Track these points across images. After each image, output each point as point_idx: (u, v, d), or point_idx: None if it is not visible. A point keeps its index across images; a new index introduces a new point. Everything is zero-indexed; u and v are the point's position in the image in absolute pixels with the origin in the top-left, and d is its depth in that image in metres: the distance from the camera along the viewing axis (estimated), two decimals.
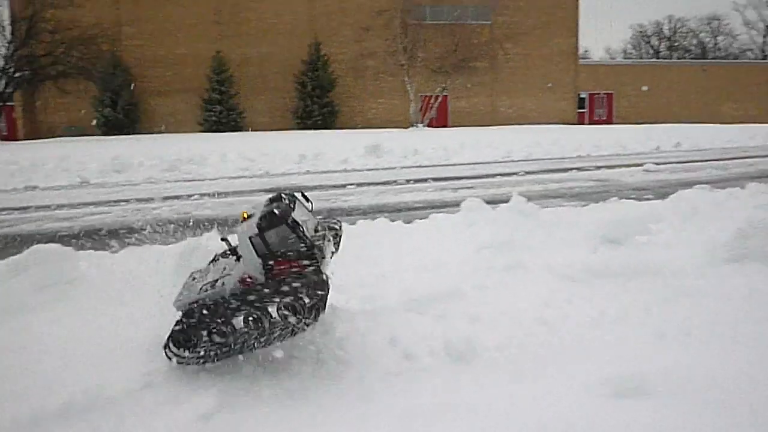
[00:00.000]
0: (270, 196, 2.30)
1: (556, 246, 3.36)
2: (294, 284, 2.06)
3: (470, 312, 2.56)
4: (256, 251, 2.13)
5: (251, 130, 28.68)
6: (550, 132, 23.71)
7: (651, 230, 3.85)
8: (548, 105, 40.25)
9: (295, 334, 2.15)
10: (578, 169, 10.78)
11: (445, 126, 36.42)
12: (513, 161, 12.93)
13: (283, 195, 2.28)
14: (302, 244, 2.11)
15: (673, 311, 2.53)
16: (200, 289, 2.26)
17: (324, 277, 2.09)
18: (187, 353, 2.18)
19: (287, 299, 2.06)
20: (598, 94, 43.23)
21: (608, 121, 41.94)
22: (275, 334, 2.16)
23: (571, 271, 2.93)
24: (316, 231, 2.29)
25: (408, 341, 2.33)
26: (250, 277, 2.14)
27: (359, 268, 3.20)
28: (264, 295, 2.10)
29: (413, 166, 11.95)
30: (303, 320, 2.07)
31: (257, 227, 2.12)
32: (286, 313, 2.07)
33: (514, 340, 2.36)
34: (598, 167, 11.09)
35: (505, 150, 15.02)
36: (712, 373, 1.94)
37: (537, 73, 40.01)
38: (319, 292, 2.05)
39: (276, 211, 2.12)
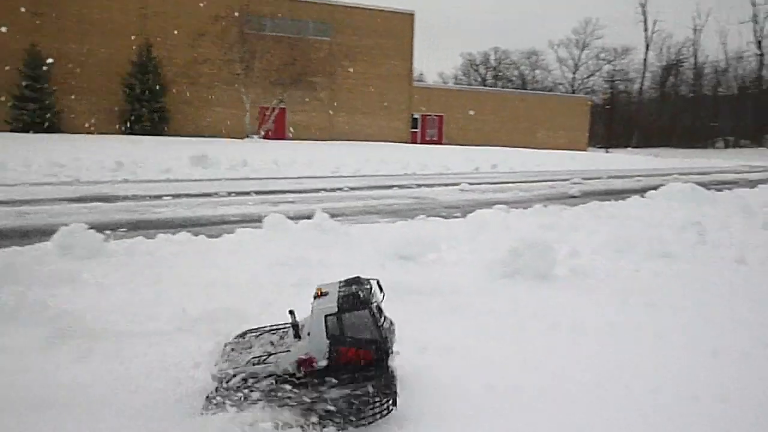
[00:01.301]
0: (346, 278, 2.15)
1: (347, 263, 3.41)
2: (360, 378, 1.90)
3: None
4: (327, 332, 1.96)
5: (70, 133, 26.40)
6: (382, 149, 24.52)
7: (441, 248, 4.06)
8: (383, 123, 41.64)
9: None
10: (401, 186, 11.20)
11: (282, 139, 36.18)
12: (341, 177, 13.14)
13: (361, 278, 2.13)
14: (378, 335, 1.97)
15: (440, 325, 2.66)
16: (247, 361, 2.02)
17: (393, 375, 1.93)
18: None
19: (350, 392, 1.87)
20: (430, 115, 45.56)
21: (438, 142, 44.34)
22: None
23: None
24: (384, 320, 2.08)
25: (177, 361, 2.20)
26: (312, 360, 1.96)
27: (138, 286, 3.01)
28: (325, 382, 1.90)
29: (239, 179, 11.68)
30: (362, 419, 1.82)
31: (338, 307, 1.97)
32: (344, 407, 1.84)
33: None
34: (420, 185, 11.62)
35: (335, 165, 15.22)
36: (460, 382, 2.06)
37: (374, 92, 41.26)
38: (387, 392, 1.85)
39: (360, 294, 1.99)
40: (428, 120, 46.07)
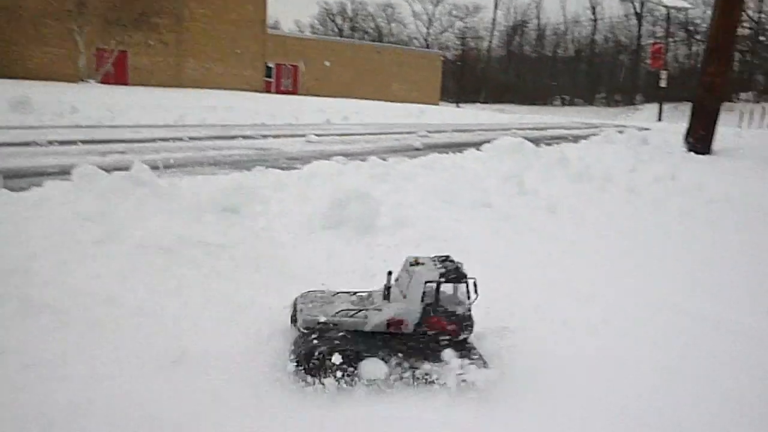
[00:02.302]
0: (438, 254, 2.23)
1: (161, 216, 3.22)
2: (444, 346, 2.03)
3: (37, 290, 2.28)
4: (423, 297, 2.05)
5: None
6: (232, 98, 23.59)
7: (270, 199, 3.97)
8: (236, 71, 39.98)
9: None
10: (246, 137, 10.85)
11: (124, 84, 33.58)
12: (184, 126, 12.46)
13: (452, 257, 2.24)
14: (467, 311, 2.09)
15: (251, 281, 2.61)
16: (337, 312, 2.10)
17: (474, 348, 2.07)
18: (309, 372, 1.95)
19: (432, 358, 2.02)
20: (285, 65, 44.43)
21: (294, 92, 43.50)
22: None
23: (165, 241, 2.82)
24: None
25: None
26: (402, 321, 2.04)
27: None
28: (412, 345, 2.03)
29: (67, 126, 10.66)
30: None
31: (440, 275, 2.08)
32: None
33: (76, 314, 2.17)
34: (266, 136, 11.33)
35: (179, 114, 14.37)
36: None
37: (225, 38, 39.32)
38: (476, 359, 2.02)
39: (460, 267, 2.12)
40: (283, 69, 44.92)
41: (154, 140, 9.38)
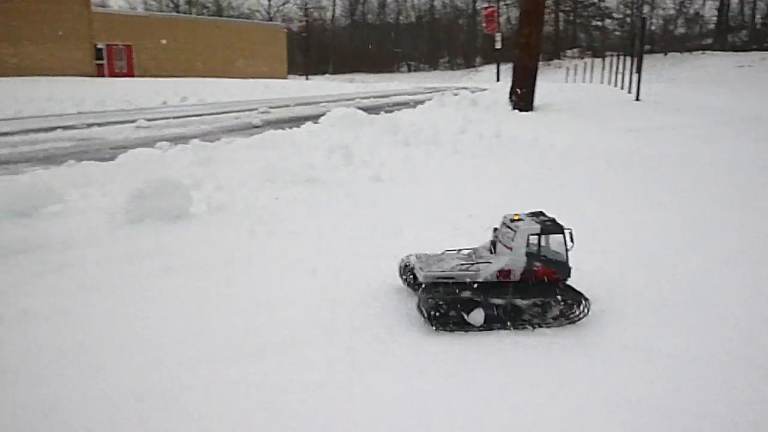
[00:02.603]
0: (533, 210, 2.51)
1: None
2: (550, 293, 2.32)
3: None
4: (527, 249, 2.32)
5: None
6: (56, 85, 21.68)
7: (70, 197, 3.68)
8: (61, 55, 36.65)
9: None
10: (66, 127, 9.98)
11: None
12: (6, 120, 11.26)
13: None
14: (566, 259, 2.37)
15: (43, 288, 2.40)
16: (453, 267, 2.37)
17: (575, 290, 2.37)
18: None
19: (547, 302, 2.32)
20: (117, 45, 41.41)
21: (129, 74, 40.75)
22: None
23: None
24: None
25: None
26: (509, 271, 2.32)
27: None
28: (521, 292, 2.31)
29: None
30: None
31: (541, 228, 2.34)
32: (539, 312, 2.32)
33: None
34: (91, 125, 10.51)
35: None
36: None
37: (43, 19, 35.83)
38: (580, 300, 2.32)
39: (556, 220, 2.39)
40: (115, 50, 41.87)
41: None
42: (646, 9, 50.22)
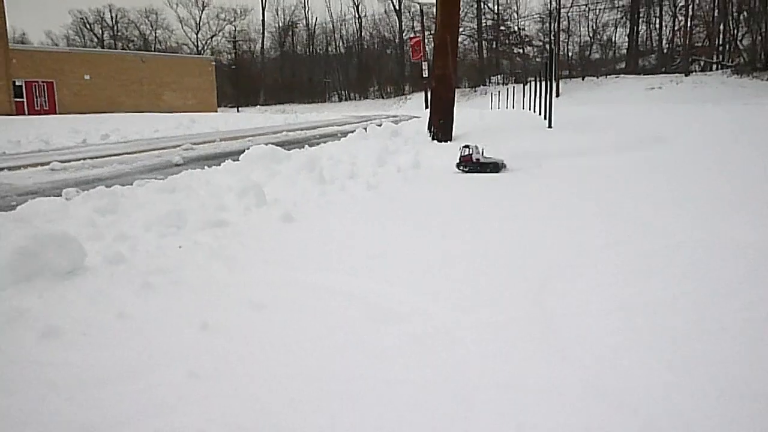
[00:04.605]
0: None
1: None
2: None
3: None
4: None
5: None
6: None
7: None
8: None
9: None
10: None
11: None
12: None
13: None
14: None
15: None
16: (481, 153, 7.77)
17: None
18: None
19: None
20: (37, 82, 40.10)
21: (51, 111, 39.46)
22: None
23: None
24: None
25: None
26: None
27: None
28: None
29: None
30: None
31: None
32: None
33: None
34: (0, 169, 10.09)
35: None
36: None
37: None
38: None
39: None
40: (35, 87, 40.50)
41: None
42: (563, 36, 52.62)
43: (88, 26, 73.18)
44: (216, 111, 48.07)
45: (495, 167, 7.68)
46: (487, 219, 4.93)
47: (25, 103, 39.21)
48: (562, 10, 52.17)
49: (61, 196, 6.04)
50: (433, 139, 11.09)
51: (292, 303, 3.01)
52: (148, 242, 4.14)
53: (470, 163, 7.69)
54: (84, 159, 11.57)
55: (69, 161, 11.00)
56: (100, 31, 73.95)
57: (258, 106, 65.47)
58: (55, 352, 2.45)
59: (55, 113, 38.71)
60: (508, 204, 5.60)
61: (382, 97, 64.64)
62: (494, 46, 58.14)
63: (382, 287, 3.21)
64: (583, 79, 47.24)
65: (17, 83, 38.44)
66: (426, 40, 39.79)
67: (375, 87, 67.44)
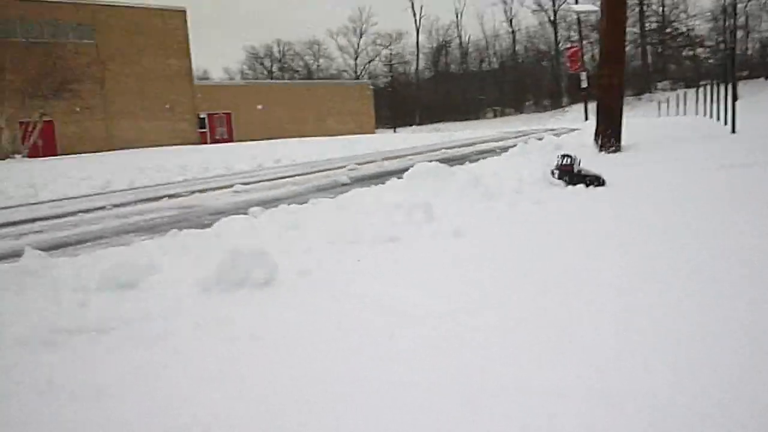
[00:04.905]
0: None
1: (45, 307, 3.20)
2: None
3: None
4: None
5: None
6: (163, 155, 23.40)
7: (168, 267, 3.98)
8: (168, 127, 39.69)
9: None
10: (171, 196, 10.78)
11: (53, 154, 32.93)
12: (111, 192, 12.31)
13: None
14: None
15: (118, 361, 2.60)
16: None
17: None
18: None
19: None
20: (217, 113, 44.32)
21: (230, 140, 43.36)
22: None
23: (46, 334, 2.81)
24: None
25: None
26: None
27: None
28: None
29: None
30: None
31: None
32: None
33: None
34: (193, 192, 11.27)
35: (106, 180, 14.18)
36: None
37: (152, 95, 39.10)
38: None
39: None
40: (216, 118, 44.78)
41: (75, 213, 9.23)
42: (740, 33, 47.99)
43: (259, 60, 79.78)
44: (374, 133, 49.91)
45: (597, 181, 7.18)
46: (666, 234, 4.59)
47: (208, 133, 43.42)
48: (738, 5, 47.67)
49: (247, 214, 6.62)
50: (600, 150, 10.61)
51: (470, 315, 3.01)
52: (330, 256, 4.38)
53: (570, 174, 7.31)
54: (261, 181, 12.58)
55: (249, 183, 12.00)
56: (270, 64, 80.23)
57: (413, 126, 66.99)
58: (262, 352, 2.66)
59: (233, 141, 42.48)
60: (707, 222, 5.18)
61: (539, 111, 63.16)
62: (659, 50, 54.51)
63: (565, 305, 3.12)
64: (766, 79, 42.66)
65: (201, 116, 42.79)
66: (583, 50, 38.33)
67: (530, 101, 66.12)
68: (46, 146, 33.27)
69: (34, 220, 8.75)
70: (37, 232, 7.67)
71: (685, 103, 28.07)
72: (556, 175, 7.45)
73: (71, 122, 35.12)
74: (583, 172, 7.41)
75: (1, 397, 2.33)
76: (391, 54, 77.06)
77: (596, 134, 11.10)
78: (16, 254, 6.08)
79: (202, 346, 2.75)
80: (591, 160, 9.55)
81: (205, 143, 40.74)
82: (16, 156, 28.64)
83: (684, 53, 51.67)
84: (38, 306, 3.22)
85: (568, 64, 37.28)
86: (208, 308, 3.26)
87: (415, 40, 77.23)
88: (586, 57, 47.21)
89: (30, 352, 2.70)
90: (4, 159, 27.50)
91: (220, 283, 3.52)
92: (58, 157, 30.12)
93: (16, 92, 28.62)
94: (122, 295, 3.52)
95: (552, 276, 3.61)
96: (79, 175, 15.60)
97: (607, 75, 10.67)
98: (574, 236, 4.74)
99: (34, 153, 30.28)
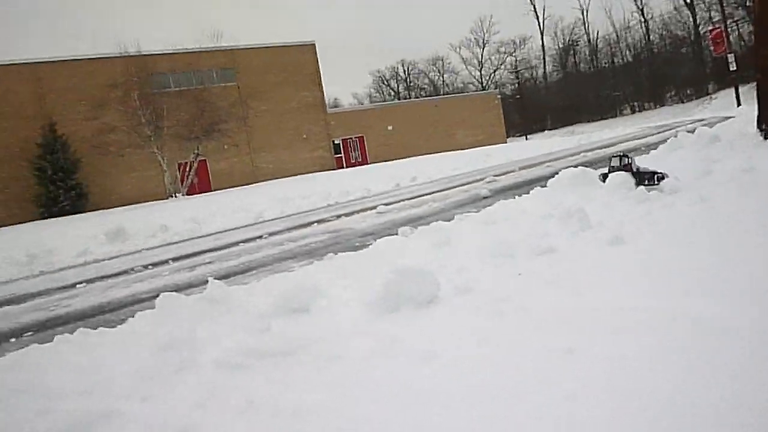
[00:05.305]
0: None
1: (233, 332, 3.48)
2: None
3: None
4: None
5: None
6: (304, 183, 24.61)
7: (331, 291, 4.17)
8: (305, 155, 41.73)
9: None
10: (320, 221, 11.29)
11: (208, 190, 35.77)
12: (263, 222, 13.16)
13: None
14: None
15: (311, 388, 2.75)
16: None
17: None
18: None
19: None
20: (351, 138, 45.91)
21: (363, 162, 44.70)
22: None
23: (238, 358, 3.05)
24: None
25: None
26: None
27: None
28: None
29: (159, 246, 11.52)
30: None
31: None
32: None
33: None
34: (339, 216, 11.75)
35: (258, 211, 15.17)
36: None
37: (289, 126, 41.35)
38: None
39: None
40: (349, 143, 46.38)
41: (236, 244, 9.96)
42: None
43: (385, 82, 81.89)
44: (505, 142, 49.18)
45: (654, 178, 6.90)
46: None
47: (343, 158, 45.05)
48: None
49: (394, 234, 6.77)
50: (766, 138, 9.66)
51: (653, 331, 2.85)
52: (486, 271, 4.37)
53: (638, 173, 7.06)
54: (402, 200, 12.83)
55: (390, 203, 12.29)
56: (396, 85, 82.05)
57: (545, 131, 65.17)
58: (434, 372, 2.71)
59: (367, 163, 43.74)
60: None
61: (681, 102, 58.86)
62: None
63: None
64: None
65: (335, 141, 44.51)
66: (728, 30, 35.29)
67: (671, 92, 61.79)
68: (201, 183, 36.27)
69: (203, 252, 9.55)
70: (207, 263, 8.36)
71: None
72: (612, 178, 7.02)
73: (221, 159, 37.98)
74: (641, 170, 7.19)
75: (207, 415, 2.56)
76: (516, 60, 75.80)
77: (758, 121, 10.12)
78: (190, 284, 6.70)
79: (381, 365, 2.85)
80: (756, 152, 8.76)
81: (342, 167, 42.30)
82: (177, 195, 31.45)
83: None
84: (227, 331, 3.51)
85: (712, 47, 34.52)
86: (380, 329, 3.37)
87: (540, 44, 75.36)
88: (733, 37, 43.43)
89: (227, 373, 2.95)
90: (167, 198, 30.37)
91: (386, 302, 3.63)
92: (212, 192, 32.70)
93: (173, 137, 31.51)
94: (297, 319, 3.74)
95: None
96: (234, 209, 16.82)
97: (765, 56, 9.71)
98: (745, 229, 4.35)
99: (191, 190, 33.12)
